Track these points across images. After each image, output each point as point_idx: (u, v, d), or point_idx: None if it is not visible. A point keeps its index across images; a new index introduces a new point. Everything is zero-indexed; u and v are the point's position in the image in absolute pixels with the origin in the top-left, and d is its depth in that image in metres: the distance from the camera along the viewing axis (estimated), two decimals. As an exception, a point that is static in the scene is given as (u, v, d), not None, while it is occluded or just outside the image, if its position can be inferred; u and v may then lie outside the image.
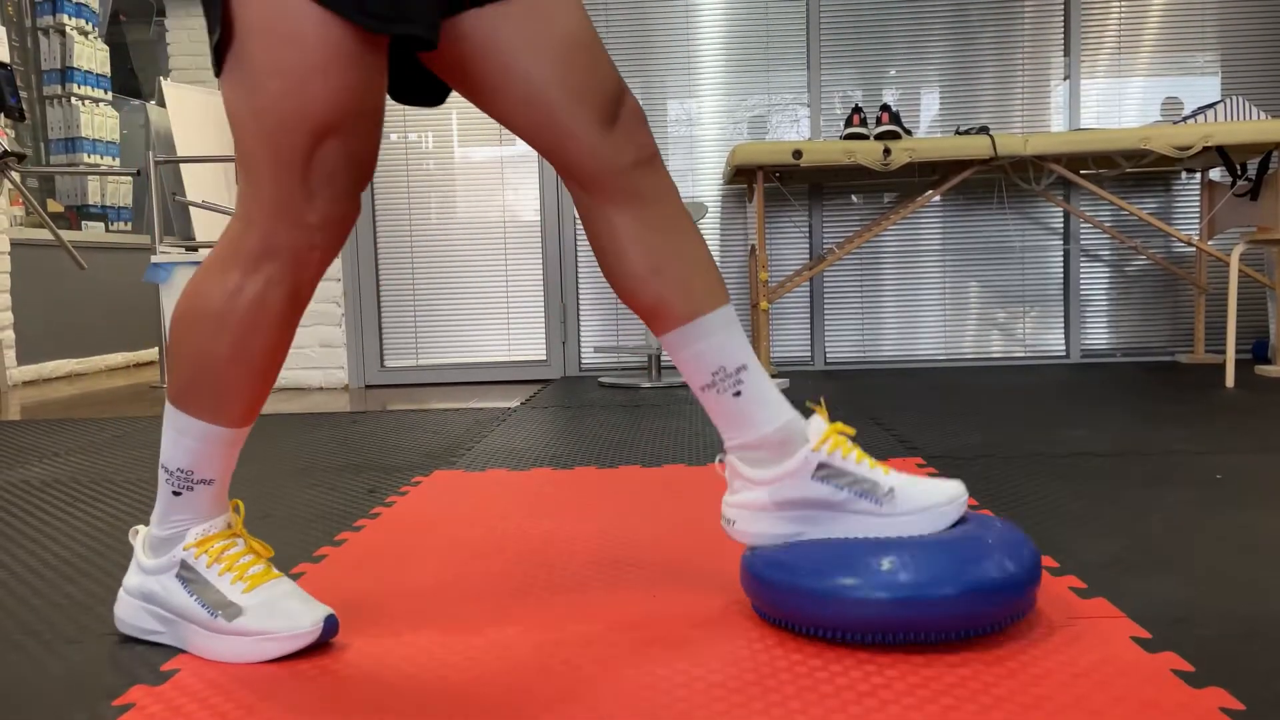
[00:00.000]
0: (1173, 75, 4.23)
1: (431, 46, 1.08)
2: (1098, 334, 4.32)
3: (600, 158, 1.18)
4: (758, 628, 1.20)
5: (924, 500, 1.20)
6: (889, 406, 3.08)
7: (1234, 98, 3.62)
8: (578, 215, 1.21)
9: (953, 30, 4.26)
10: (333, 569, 1.50)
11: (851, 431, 1.26)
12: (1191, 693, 0.98)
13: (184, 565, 1.19)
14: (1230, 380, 3.31)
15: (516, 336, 4.39)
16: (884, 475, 1.22)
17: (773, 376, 3.75)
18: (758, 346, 3.89)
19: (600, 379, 4.13)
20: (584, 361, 4.41)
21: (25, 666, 1.16)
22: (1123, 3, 4.21)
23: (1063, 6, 4.23)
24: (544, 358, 4.37)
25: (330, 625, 1.16)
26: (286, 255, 1.11)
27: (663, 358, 4.37)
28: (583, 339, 4.40)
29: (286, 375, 4.29)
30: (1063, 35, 4.25)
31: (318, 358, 4.28)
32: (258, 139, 1.07)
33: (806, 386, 3.69)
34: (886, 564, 1.11)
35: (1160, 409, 2.83)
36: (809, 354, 4.36)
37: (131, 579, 1.24)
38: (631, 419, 2.98)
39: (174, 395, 1.17)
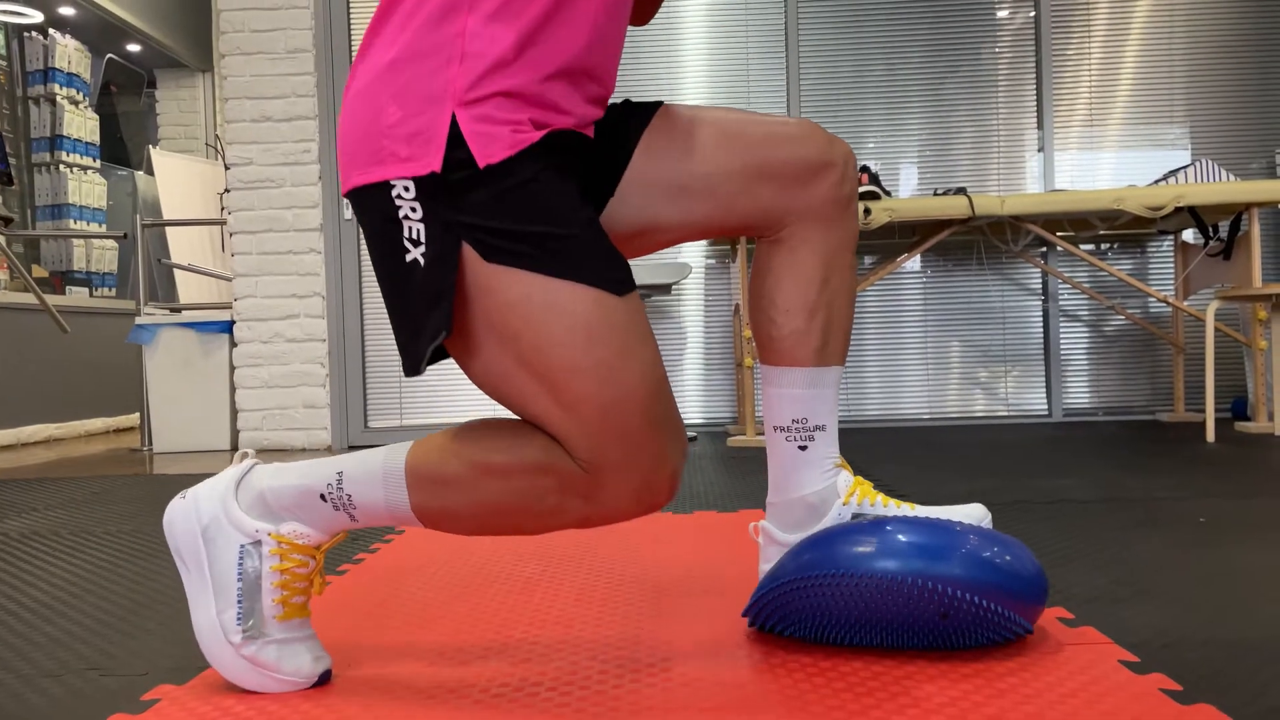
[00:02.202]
0: (1144, 148, 4.35)
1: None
2: (1079, 393, 4.36)
3: (810, 185, 1.21)
4: (748, 654, 1.19)
5: None
6: (874, 460, 3.09)
7: (1204, 160, 3.72)
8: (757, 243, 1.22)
9: (928, 105, 4.38)
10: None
11: (869, 484, 1.30)
12: (1180, 709, 0.98)
13: (256, 544, 1.11)
14: (1211, 436, 3.34)
15: (501, 397, 4.38)
16: (911, 512, 1.26)
17: (759, 434, 3.76)
18: (743, 403, 3.91)
19: (585, 439, 4.12)
20: (569, 422, 4.40)
21: (3, 699, 1.13)
22: (1093, 76, 4.34)
23: (1035, 80, 4.36)
24: (529, 418, 4.36)
25: (324, 678, 1.15)
26: (610, 508, 1.07)
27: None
28: (567, 399, 4.41)
29: (267, 436, 4.27)
30: (1035, 108, 4.36)
31: (301, 419, 4.26)
32: (579, 424, 1.04)
33: (791, 444, 3.69)
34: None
35: (1143, 462, 2.85)
36: (793, 414, 4.37)
37: (209, 503, 1.13)
38: (617, 474, 2.98)
39: (418, 482, 1.10)
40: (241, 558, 1.11)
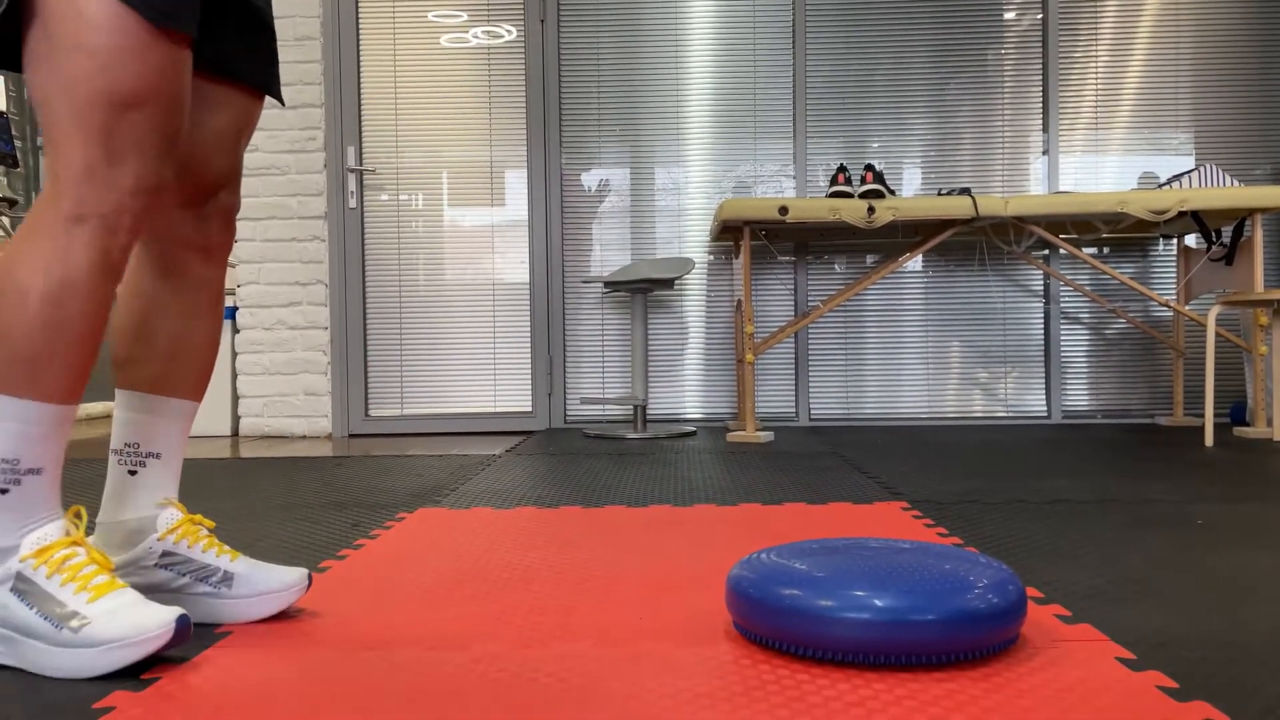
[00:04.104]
0: (1147, 152, 4.35)
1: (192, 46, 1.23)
2: (1078, 395, 4.36)
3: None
4: (745, 646, 1.19)
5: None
6: (872, 457, 3.09)
7: (1208, 165, 3.72)
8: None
9: (934, 105, 4.38)
10: (316, 592, 1.49)
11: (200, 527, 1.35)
12: (1177, 706, 0.99)
13: (20, 578, 1.12)
14: (1209, 440, 3.34)
15: (502, 388, 4.39)
16: (231, 563, 1.34)
17: (758, 430, 3.77)
18: (743, 399, 3.91)
19: (585, 430, 4.13)
20: (569, 414, 4.41)
21: (4, 676, 1.14)
22: (1099, 80, 4.34)
23: (1041, 83, 4.35)
24: (529, 409, 4.37)
25: (183, 627, 1.12)
26: (95, 221, 1.14)
27: (648, 409, 4.38)
28: (569, 391, 4.41)
29: (268, 423, 4.27)
30: (1041, 111, 4.36)
31: (301, 406, 4.27)
32: (65, 110, 1.13)
33: (792, 440, 3.70)
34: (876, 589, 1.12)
35: (1141, 465, 2.86)
36: (794, 410, 4.38)
37: None
38: (617, 466, 2.99)
39: None
40: (22, 596, 1.12)
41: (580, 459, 3.20)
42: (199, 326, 1.36)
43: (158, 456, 1.31)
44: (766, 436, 3.71)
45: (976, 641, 1.10)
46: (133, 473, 1.30)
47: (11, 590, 1.12)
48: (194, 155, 1.33)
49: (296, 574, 1.34)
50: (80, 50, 1.11)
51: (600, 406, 4.41)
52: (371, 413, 4.37)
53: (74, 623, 1.10)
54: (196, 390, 1.36)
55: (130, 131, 1.14)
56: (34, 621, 1.11)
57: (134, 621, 1.10)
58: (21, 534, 1.13)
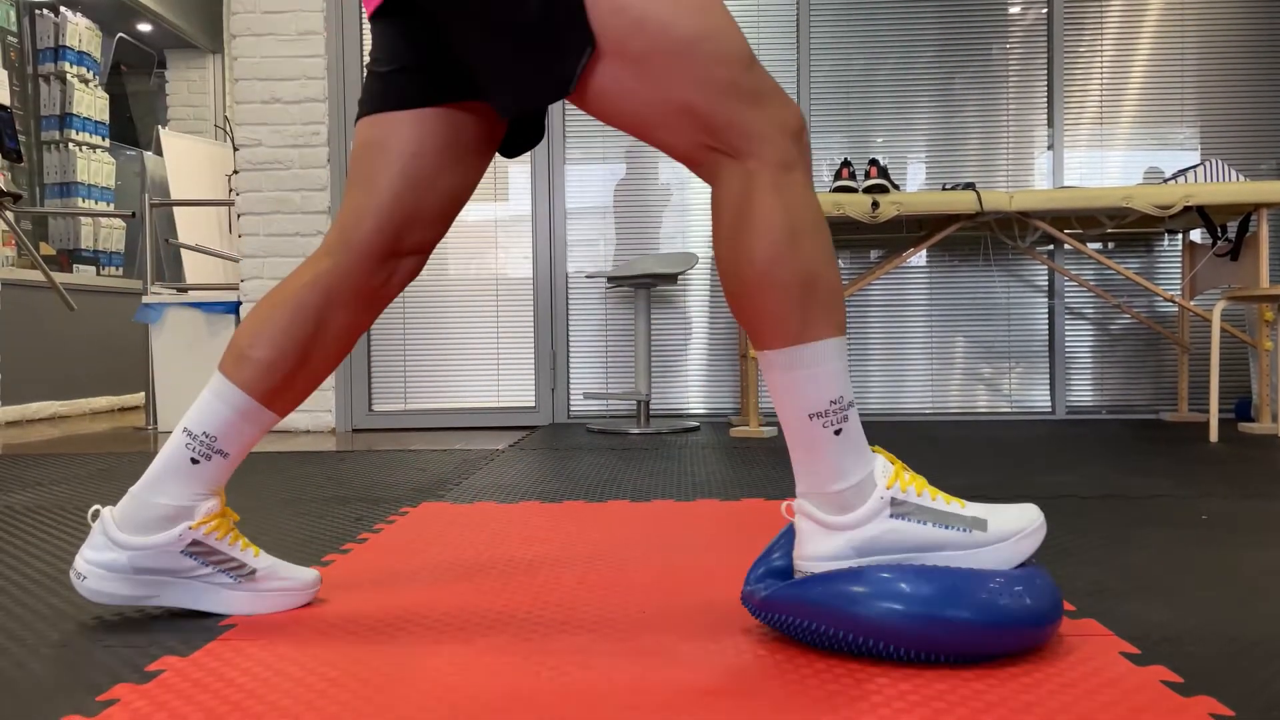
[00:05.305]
0: (1153, 147, 4.34)
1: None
2: (1083, 391, 4.36)
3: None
4: (749, 640, 1.19)
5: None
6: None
7: (1213, 160, 3.71)
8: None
9: (939, 100, 4.37)
10: (320, 585, 1.49)
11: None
12: (1181, 700, 0.99)
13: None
14: (1214, 436, 3.33)
15: (505, 383, 4.39)
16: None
17: (761, 425, 3.77)
18: (747, 396, 3.91)
19: (589, 425, 4.13)
20: (573, 409, 4.41)
21: (8, 667, 1.14)
22: (1104, 75, 4.33)
23: (1046, 78, 4.34)
24: (533, 404, 4.37)
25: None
26: (802, 155, 1.18)
27: (651, 404, 4.38)
28: (572, 386, 4.41)
29: (273, 418, 4.27)
30: (1046, 106, 4.35)
31: (305, 401, 4.27)
32: (710, 92, 1.13)
33: (794, 436, 3.70)
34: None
35: (1145, 460, 2.85)
36: (797, 406, 4.37)
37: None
38: (620, 461, 2.99)
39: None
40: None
41: (583, 454, 3.20)
42: (324, 365, 1.35)
43: (225, 455, 1.31)
44: (769, 432, 3.71)
45: (1018, 643, 1.09)
46: (195, 461, 1.29)
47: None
48: (435, 210, 1.32)
49: (312, 575, 1.39)
50: (704, 37, 1.12)
51: (603, 402, 4.41)
52: (375, 407, 4.37)
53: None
54: (286, 410, 1.37)
55: (765, 79, 1.16)
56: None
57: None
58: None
